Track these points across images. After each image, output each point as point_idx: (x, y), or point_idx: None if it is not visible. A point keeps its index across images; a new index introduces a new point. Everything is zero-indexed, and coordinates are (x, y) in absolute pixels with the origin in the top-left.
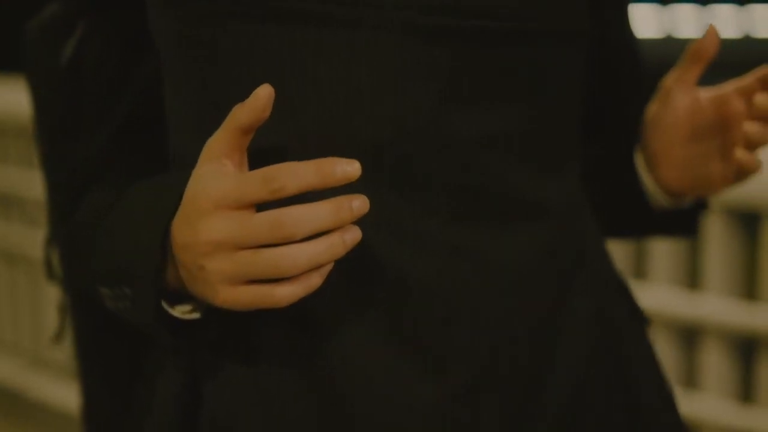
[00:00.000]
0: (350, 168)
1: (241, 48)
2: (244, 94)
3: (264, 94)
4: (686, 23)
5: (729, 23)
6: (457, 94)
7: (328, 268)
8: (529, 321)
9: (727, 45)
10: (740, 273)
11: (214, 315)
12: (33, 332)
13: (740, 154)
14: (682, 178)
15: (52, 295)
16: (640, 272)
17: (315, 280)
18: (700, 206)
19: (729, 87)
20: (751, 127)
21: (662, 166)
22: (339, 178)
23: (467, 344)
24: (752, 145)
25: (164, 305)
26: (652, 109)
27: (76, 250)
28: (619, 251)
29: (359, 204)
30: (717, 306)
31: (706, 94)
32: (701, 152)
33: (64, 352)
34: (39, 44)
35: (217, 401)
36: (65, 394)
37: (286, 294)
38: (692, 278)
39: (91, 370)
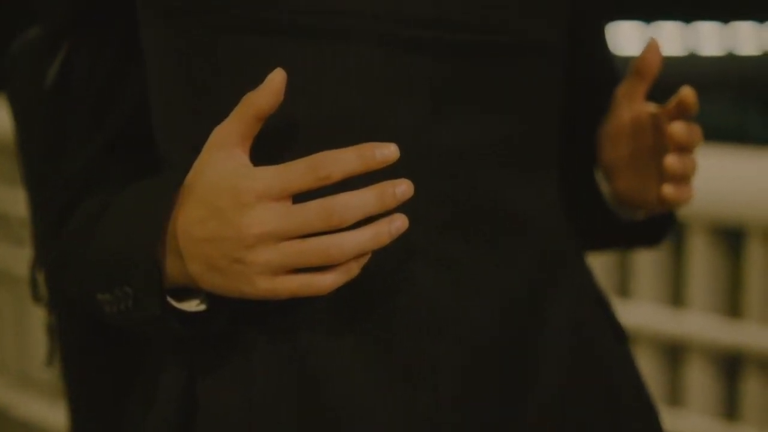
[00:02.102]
0: (388, 151)
1: (231, 60)
2: (235, 104)
3: (278, 78)
4: (670, 41)
5: (713, 41)
6: (440, 105)
7: (367, 256)
8: (510, 331)
9: (711, 62)
10: (724, 290)
11: (223, 307)
12: (18, 351)
13: (666, 188)
14: (631, 192)
15: (37, 314)
16: (624, 289)
17: (355, 269)
18: (666, 217)
19: (664, 108)
20: (669, 159)
21: (613, 178)
22: (379, 161)
23: (456, 353)
24: (676, 177)
25: (169, 299)
26: (605, 122)
27: (69, 262)
28: (602, 268)
29: (404, 189)
30: (701, 323)
31: (652, 110)
32: (645, 172)
33: (50, 372)
34: (22, 67)
35: (210, 401)
36: (51, 414)
37: (329, 282)
38: (676, 295)
39: (79, 390)
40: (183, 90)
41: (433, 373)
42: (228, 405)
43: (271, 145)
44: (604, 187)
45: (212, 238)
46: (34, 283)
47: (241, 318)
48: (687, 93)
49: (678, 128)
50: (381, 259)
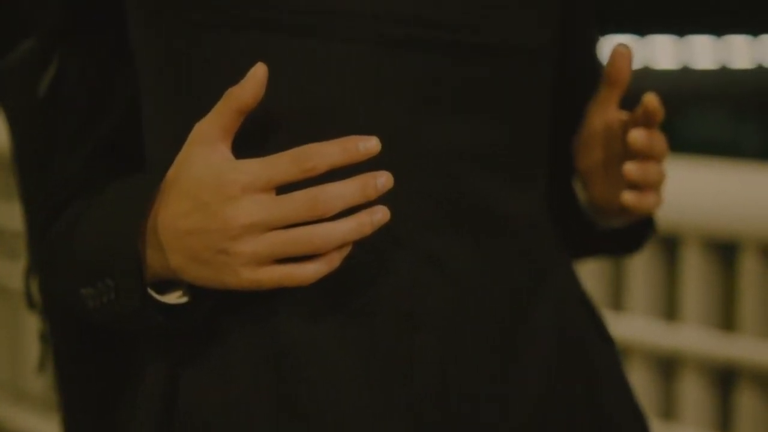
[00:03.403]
0: (370, 144)
1: (218, 58)
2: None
3: (260, 71)
4: (664, 54)
5: (707, 54)
6: (429, 105)
7: (349, 247)
8: (493, 331)
9: (704, 76)
10: (718, 303)
11: (205, 299)
12: (11, 363)
13: (625, 195)
14: (605, 199)
15: (30, 326)
16: (617, 303)
17: (336, 259)
18: (644, 225)
19: (632, 116)
20: (626, 167)
21: (588, 185)
22: (362, 153)
23: (434, 350)
24: (637, 185)
25: (149, 290)
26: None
27: (55, 259)
28: (595, 281)
29: (384, 180)
30: (695, 337)
31: (624, 118)
32: (616, 180)
33: (43, 384)
34: (16, 78)
35: (190, 392)
36: (43, 426)
37: (311, 272)
38: (670, 309)
39: (71, 397)
40: (174, 89)
41: (411, 366)
42: (207, 396)
43: (258, 140)
44: (581, 193)
45: (196, 231)
46: (28, 291)
47: (222, 308)
48: (649, 100)
49: (634, 136)
50: (368, 252)
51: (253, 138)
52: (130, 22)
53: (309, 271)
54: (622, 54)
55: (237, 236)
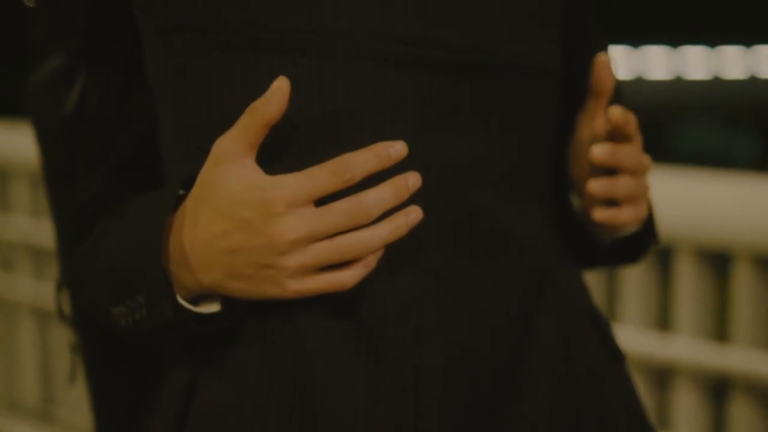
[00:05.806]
0: (398, 147)
1: (224, 77)
2: (229, 122)
3: (284, 85)
4: (657, 65)
5: (700, 65)
6: (430, 122)
7: (382, 250)
8: (498, 344)
9: (698, 86)
10: (711, 314)
11: (240, 305)
12: (6, 375)
13: (595, 212)
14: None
15: (26, 338)
16: (611, 313)
17: (372, 262)
18: (643, 235)
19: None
20: (590, 184)
21: (582, 195)
22: (394, 158)
23: (439, 363)
24: (606, 201)
25: (180, 300)
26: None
27: (83, 279)
28: None
29: (414, 180)
30: (688, 347)
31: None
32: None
33: (37, 395)
34: (43, 97)
35: (206, 392)
36: None
37: (352, 277)
38: (663, 319)
39: (103, 407)
40: (177, 109)
41: (416, 380)
42: (220, 402)
43: (266, 155)
44: (577, 203)
45: (238, 249)
46: (59, 303)
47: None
48: (613, 113)
49: (593, 151)
50: (375, 267)
51: (262, 153)
52: (143, 42)
53: (350, 277)
54: (603, 63)
55: (284, 251)
